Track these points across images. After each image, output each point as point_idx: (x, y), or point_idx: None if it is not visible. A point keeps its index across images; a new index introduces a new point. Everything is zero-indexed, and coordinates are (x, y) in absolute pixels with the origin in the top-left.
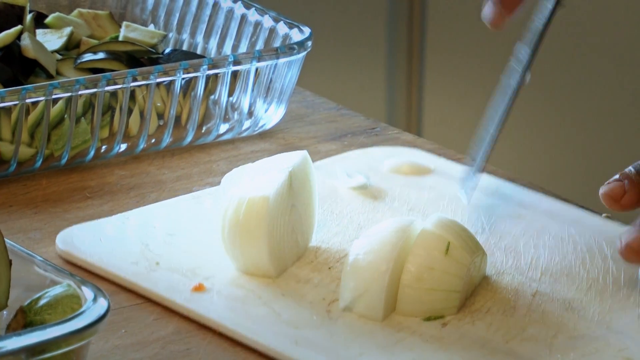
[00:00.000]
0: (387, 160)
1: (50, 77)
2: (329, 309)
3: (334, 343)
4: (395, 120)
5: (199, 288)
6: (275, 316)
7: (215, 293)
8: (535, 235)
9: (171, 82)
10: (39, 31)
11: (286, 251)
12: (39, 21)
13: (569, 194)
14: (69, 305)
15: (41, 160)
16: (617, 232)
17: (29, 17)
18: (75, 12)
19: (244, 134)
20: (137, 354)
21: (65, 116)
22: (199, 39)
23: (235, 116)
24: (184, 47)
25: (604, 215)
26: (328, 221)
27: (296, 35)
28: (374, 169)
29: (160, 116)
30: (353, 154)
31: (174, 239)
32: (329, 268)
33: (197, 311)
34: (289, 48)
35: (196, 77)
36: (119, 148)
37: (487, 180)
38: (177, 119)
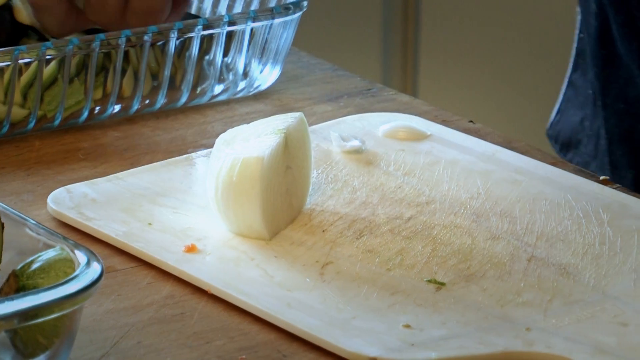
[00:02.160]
0: (382, 126)
1: (42, 37)
2: (322, 272)
3: (327, 306)
4: (391, 81)
5: (191, 249)
6: (268, 278)
7: (208, 254)
8: (532, 201)
9: (165, 43)
10: None
11: (280, 213)
12: None
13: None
14: (62, 269)
15: (34, 121)
16: (613, 198)
17: None
18: None
19: (239, 95)
20: (130, 318)
21: (58, 77)
22: None
23: (230, 77)
24: None
25: (602, 177)
26: (322, 184)
27: None
28: (369, 134)
29: (154, 77)
30: (349, 119)
31: (166, 200)
32: (323, 231)
33: (189, 272)
34: (284, 8)
35: (191, 37)
36: (113, 109)
37: (483, 146)
38: (172, 79)
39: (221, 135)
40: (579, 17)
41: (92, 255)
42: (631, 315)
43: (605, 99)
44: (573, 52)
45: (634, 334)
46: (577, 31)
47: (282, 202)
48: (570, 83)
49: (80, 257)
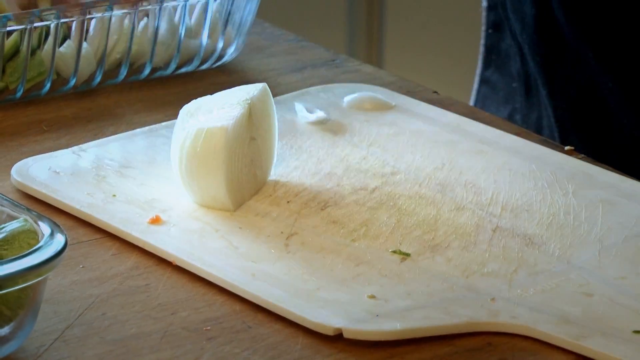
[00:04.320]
0: (347, 97)
1: None
2: (287, 243)
3: (292, 277)
4: (356, 51)
5: (155, 220)
6: (233, 249)
7: (172, 226)
8: (496, 171)
9: (126, 15)
10: None
11: (244, 184)
12: None
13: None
14: (26, 240)
15: None
16: (578, 168)
17: None
18: None
19: (203, 67)
20: (95, 290)
21: (21, 48)
22: None
23: (194, 49)
24: None
25: (567, 147)
26: (287, 155)
27: None
28: (334, 104)
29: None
30: (313, 90)
31: (130, 172)
32: (288, 202)
33: (154, 243)
34: None
35: (153, 10)
36: (75, 81)
37: (448, 117)
38: (134, 52)
39: (185, 106)
40: (484, 14)
41: (55, 227)
42: (596, 285)
43: (552, 87)
44: (481, 49)
45: (599, 303)
46: (483, 27)
47: (246, 173)
48: (483, 81)
49: (44, 228)
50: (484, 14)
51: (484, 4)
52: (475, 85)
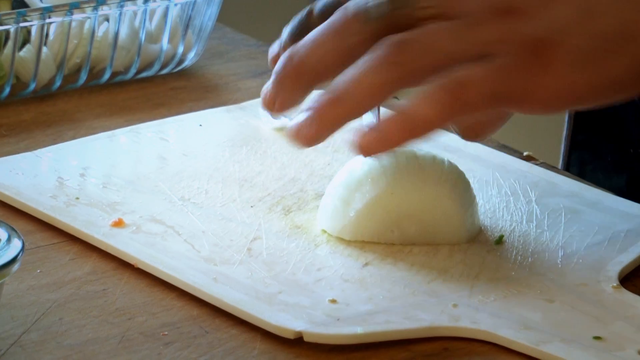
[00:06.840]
0: None
1: None
2: (249, 247)
3: (253, 281)
4: None
5: (118, 223)
6: (195, 253)
7: (135, 228)
8: None
9: (87, 19)
10: None
11: None
12: None
13: None
14: None
15: None
16: (541, 176)
17: None
18: None
19: (163, 72)
20: (52, 295)
21: None
22: None
23: (154, 54)
24: None
25: (525, 153)
26: (251, 160)
27: None
28: (299, 110)
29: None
30: None
31: (93, 175)
32: (251, 207)
33: (116, 246)
34: None
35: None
36: (35, 85)
37: None
38: (94, 56)
39: None
40: None
41: (12, 232)
42: (557, 291)
43: None
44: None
45: (560, 310)
46: None
47: None
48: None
49: (1, 233)
50: None
51: None
52: (563, 149)
